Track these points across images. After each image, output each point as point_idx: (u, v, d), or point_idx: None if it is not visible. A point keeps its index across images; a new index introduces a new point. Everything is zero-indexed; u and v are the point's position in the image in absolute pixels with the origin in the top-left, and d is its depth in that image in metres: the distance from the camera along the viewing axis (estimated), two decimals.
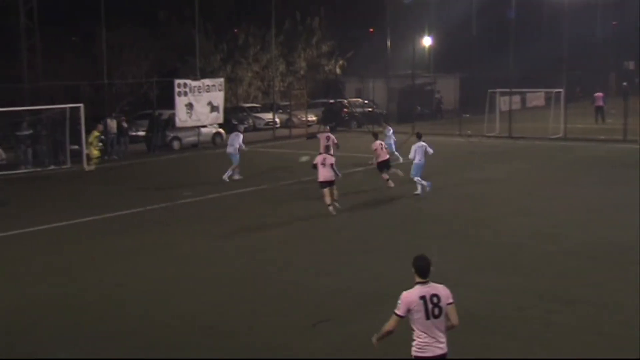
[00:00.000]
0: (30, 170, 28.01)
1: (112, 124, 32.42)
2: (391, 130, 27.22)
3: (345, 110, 43.42)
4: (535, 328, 10.13)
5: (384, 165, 21.18)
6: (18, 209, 20.20)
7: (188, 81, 34.42)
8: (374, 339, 7.17)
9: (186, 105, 33.95)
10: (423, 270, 6.89)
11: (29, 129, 29.32)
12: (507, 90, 38.01)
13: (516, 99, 44.69)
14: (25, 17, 31.35)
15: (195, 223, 17.06)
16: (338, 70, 50.28)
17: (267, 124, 42.14)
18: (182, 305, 11.30)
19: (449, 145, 32.57)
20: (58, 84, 32.90)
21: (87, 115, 29.58)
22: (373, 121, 40.44)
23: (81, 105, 28.90)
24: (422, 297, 6.79)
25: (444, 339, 6.89)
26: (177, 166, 28.23)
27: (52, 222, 17.68)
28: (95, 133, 26.93)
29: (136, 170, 26.31)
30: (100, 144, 27.57)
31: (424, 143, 19.69)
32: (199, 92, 34.46)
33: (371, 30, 52.51)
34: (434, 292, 6.87)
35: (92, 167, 26.89)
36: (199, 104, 34.49)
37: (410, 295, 6.84)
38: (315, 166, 18.06)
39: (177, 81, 33.94)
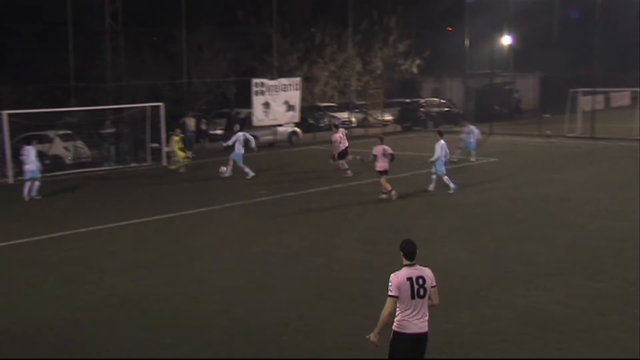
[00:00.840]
0: (113, 167, 28.53)
1: (191, 122, 33.10)
2: (472, 129, 26.77)
3: (422, 109, 43.07)
4: (618, 335, 9.85)
5: (342, 156, 22.89)
6: (102, 205, 20.65)
7: (265, 80, 34.64)
8: (371, 336, 7.39)
9: (263, 104, 34.18)
10: (410, 254, 7.38)
11: (111, 128, 30.21)
12: (590, 89, 37.11)
13: (600, 98, 43.67)
14: (110, 19, 32.08)
15: (270, 221, 17.09)
16: (415, 70, 49.77)
17: (343, 123, 41.78)
18: (261, 303, 11.35)
19: (528, 146, 32.04)
20: (140, 83, 33.47)
21: (167, 114, 30.05)
22: (450, 121, 39.96)
23: (161, 104, 29.43)
24: (409, 279, 7.28)
25: (425, 319, 7.34)
26: (254, 165, 27.65)
27: (135, 217, 18.02)
28: (175, 138, 26.88)
29: (213, 169, 26.07)
30: (182, 145, 27.62)
31: (443, 141, 20.26)
32: (276, 91, 34.65)
33: (449, 29, 51.59)
34: (420, 274, 7.36)
35: (180, 169, 26.82)
36: (275, 103, 34.64)
37: (399, 277, 7.32)
38: (375, 157, 19.18)
39: (254, 80, 34.23)
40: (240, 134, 24.98)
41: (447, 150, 20.38)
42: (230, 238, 15.51)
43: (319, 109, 44.07)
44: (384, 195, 19.54)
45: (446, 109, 43.49)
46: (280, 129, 35.77)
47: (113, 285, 12.55)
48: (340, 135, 23.92)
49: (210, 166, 27.26)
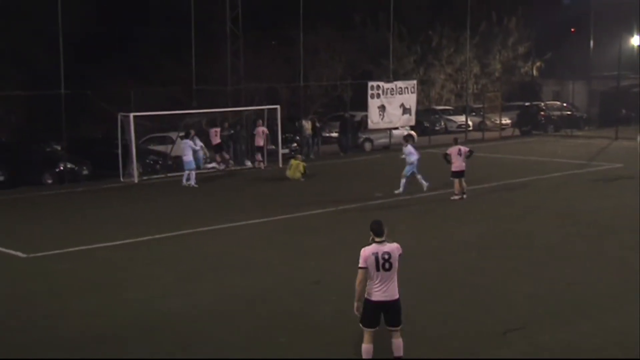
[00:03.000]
0: (231, 168, 28.79)
1: (307, 124, 33.07)
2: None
3: (542, 113, 42.06)
4: None
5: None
6: (221, 204, 20.98)
7: (381, 83, 34.60)
8: (355, 309, 8.62)
9: (379, 107, 34.15)
10: (377, 232, 8.52)
11: (230, 129, 30.71)
12: None
13: None
14: (231, 23, 32.67)
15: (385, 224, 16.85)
16: (535, 72, 48.64)
17: (459, 126, 41.60)
18: None
19: None
20: (258, 86, 33.97)
21: (284, 116, 30.45)
22: (572, 125, 38.88)
23: (278, 106, 29.62)
24: (375, 254, 8.43)
25: (392, 288, 8.49)
26: (369, 167, 28.29)
27: (252, 218, 18.19)
28: (294, 162, 25.68)
29: (329, 171, 26.35)
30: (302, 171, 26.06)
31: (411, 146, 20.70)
32: (392, 94, 34.57)
33: (572, 30, 50.03)
34: (386, 250, 8.47)
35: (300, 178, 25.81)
36: (391, 106, 34.55)
37: (366, 251, 8.50)
38: (447, 156, 19.63)
39: (370, 83, 34.18)
40: (188, 141, 24.30)
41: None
42: (346, 239, 15.28)
43: (435, 112, 43.73)
44: (456, 197, 19.63)
45: (568, 113, 42.25)
46: (395, 132, 35.36)
47: (230, 284, 12.65)
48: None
49: (326, 168, 27.45)
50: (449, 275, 12.92)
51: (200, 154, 25.27)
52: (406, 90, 35.43)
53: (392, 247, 8.52)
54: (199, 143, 25.06)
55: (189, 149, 24.01)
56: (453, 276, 12.81)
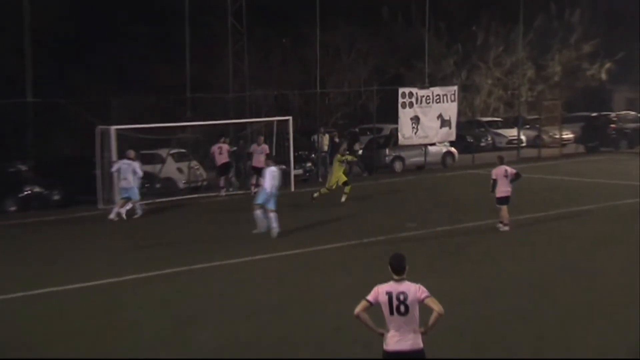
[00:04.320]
0: (231, 193, 28.90)
1: (324, 139, 33.53)
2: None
3: (612, 126, 42.36)
4: None
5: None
6: (219, 236, 21.14)
7: (415, 90, 34.94)
8: (377, 334, 8.60)
9: (412, 119, 34.65)
10: (395, 267, 8.46)
11: (232, 146, 30.89)
12: None
13: None
14: (232, 18, 33.06)
15: (420, 260, 16.82)
16: (603, 76, 48.70)
17: (510, 142, 42.48)
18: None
19: None
20: (265, 93, 34.63)
21: (296, 129, 31.97)
22: None
23: (290, 118, 30.18)
24: (389, 293, 8.35)
25: (410, 337, 8.34)
26: (399, 191, 28.48)
27: (258, 253, 18.42)
28: (340, 158, 26.31)
29: (351, 196, 25.96)
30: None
31: (275, 168, 20.27)
32: (427, 103, 34.95)
33: None
34: (403, 289, 8.36)
35: (326, 191, 26.38)
36: (426, 117, 34.94)
37: (380, 288, 8.45)
38: (494, 183, 19.81)
39: (401, 90, 34.55)
40: (126, 161, 24.01)
41: (277, 182, 20.30)
42: (371, 279, 15.09)
43: (481, 124, 43.88)
44: (504, 227, 20.05)
45: None
46: (432, 148, 35.86)
47: (235, 330, 12.82)
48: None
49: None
50: (497, 322, 12.96)
51: (138, 183, 24.47)
52: (445, 98, 35.65)
53: (411, 288, 8.44)
54: (139, 171, 24.38)
55: (130, 172, 23.64)
56: (502, 324, 12.85)
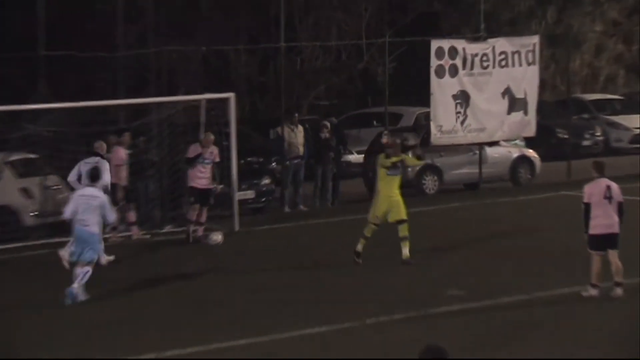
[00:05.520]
0: (122, 235, 25.78)
1: (297, 134, 30.12)
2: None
3: None
4: None
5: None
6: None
7: (461, 43, 30.87)
8: None
9: (455, 97, 30.78)
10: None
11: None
12: None
13: None
14: None
15: (467, 352, 15.66)
16: None
17: (636, 138, 39.25)
18: None
19: None
20: (186, 50, 33.07)
21: (244, 116, 31.95)
22: None
23: (231, 95, 27.28)
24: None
25: None
26: (432, 231, 25.86)
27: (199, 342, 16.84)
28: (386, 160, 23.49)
29: (352, 237, 23.27)
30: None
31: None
32: (484, 68, 31.02)
33: None
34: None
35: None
36: (482, 95, 31.11)
37: None
38: (587, 208, 18.75)
39: (436, 44, 30.40)
40: (89, 162, 23.63)
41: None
42: None
43: (583, 106, 39.96)
44: (592, 291, 18.79)
45: None
46: (491, 151, 31.86)
47: None
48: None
49: (347, 231, 25.08)
50: None
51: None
52: (516, 58, 31.55)
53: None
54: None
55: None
56: None
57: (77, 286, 19.13)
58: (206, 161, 25.52)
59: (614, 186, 18.61)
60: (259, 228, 26.74)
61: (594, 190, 18.50)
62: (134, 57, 32.49)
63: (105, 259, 21.48)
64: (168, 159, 27.93)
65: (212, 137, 26.19)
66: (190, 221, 25.83)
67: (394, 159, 23.07)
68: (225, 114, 26.98)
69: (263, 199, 29.07)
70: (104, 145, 24.64)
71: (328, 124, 30.59)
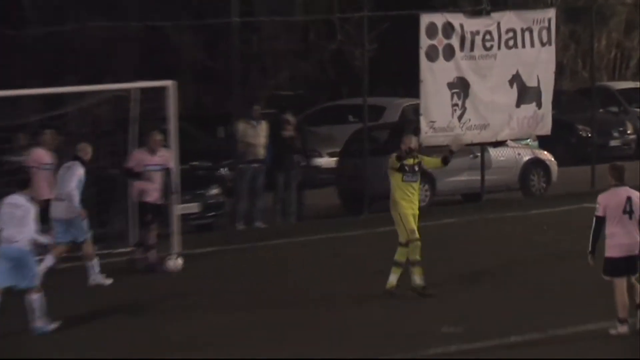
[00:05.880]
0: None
1: (258, 131, 28.71)
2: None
3: None
4: None
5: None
6: None
7: (458, 18, 29.27)
8: None
9: (451, 85, 29.44)
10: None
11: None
12: None
13: None
14: None
15: None
16: None
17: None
18: None
19: None
20: (111, 26, 31.92)
21: (187, 110, 31.53)
22: None
23: (169, 83, 25.48)
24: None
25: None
26: (424, 254, 22.33)
27: None
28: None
29: (325, 263, 24.01)
30: None
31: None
32: (488, 49, 29.35)
33: None
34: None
35: None
36: (485, 82, 29.61)
37: None
38: (598, 224, 17.39)
39: (426, 18, 28.88)
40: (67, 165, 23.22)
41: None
42: None
43: (610, 97, 38.45)
44: (621, 327, 17.03)
45: None
46: (496, 153, 30.28)
47: None
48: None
49: (320, 256, 24.86)
50: None
51: None
52: (527, 37, 29.77)
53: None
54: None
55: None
56: None
57: (38, 322, 17.85)
58: (155, 168, 23.47)
59: (636, 197, 16.79)
60: (205, 250, 25.11)
61: (610, 201, 16.88)
62: (47, 35, 31.26)
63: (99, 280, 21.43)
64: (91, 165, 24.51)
65: (159, 137, 24.23)
66: (151, 246, 23.59)
67: (410, 161, 20.77)
68: (163, 107, 24.85)
69: (210, 214, 27.67)
70: (88, 149, 22.70)
71: (292, 120, 28.60)
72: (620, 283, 16.83)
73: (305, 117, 33.55)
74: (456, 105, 28.60)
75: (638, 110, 39.07)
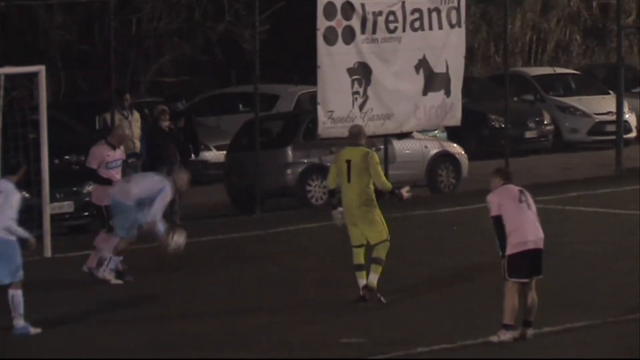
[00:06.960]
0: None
1: (131, 123, 28.61)
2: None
3: None
4: None
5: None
6: None
7: None
8: None
9: (350, 71, 29.10)
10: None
11: None
12: None
13: None
14: None
15: None
16: None
17: (600, 128, 36.85)
18: None
19: None
20: None
21: (56, 97, 33.82)
22: None
23: (41, 67, 25.25)
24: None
25: None
26: (315, 259, 23.60)
27: None
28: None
29: (220, 274, 22.14)
30: None
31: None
32: (392, 32, 28.95)
33: None
34: None
35: None
36: (389, 68, 29.50)
37: None
38: (497, 222, 17.39)
39: None
40: None
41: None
42: None
43: (526, 84, 38.67)
44: (505, 334, 16.79)
45: None
46: (400, 145, 30.06)
47: None
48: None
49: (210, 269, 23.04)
50: None
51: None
52: (434, 17, 29.37)
53: None
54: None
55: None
56: None
57: (18, 321, 17.21)
58: (116, 164, 22.33)
59: (528, 192, 16.80)
60: (79, 254, 22.88)
61: (502, 198, 16.44)
62: None
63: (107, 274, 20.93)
64: None
65: (125, 131, 24.78)
66: (118, 253, 21.68)
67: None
68: (33, 95, 25.86)
69: (85, 214, 26.17)
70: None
71: (167, 109, 27.64)
72: (516, 286, 16.14)
73: (190, 106, 32.59)
74: (357, 93, 28.03)
75: (555, 98, 38.80)
